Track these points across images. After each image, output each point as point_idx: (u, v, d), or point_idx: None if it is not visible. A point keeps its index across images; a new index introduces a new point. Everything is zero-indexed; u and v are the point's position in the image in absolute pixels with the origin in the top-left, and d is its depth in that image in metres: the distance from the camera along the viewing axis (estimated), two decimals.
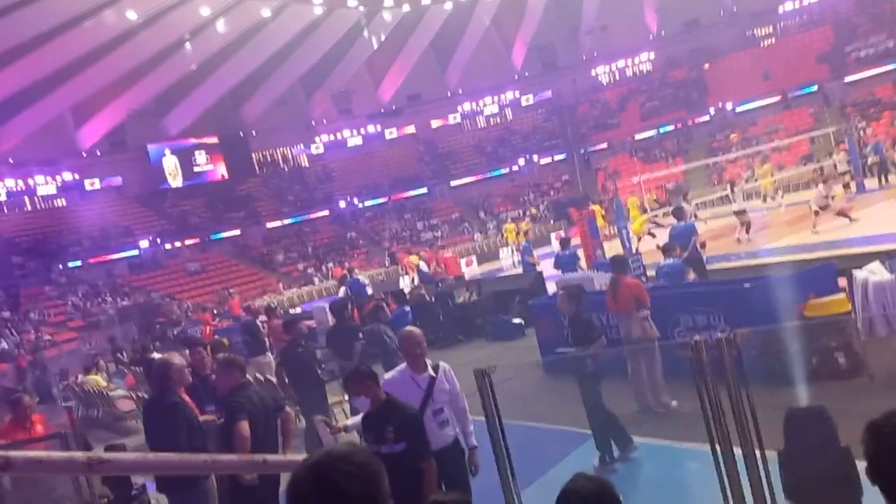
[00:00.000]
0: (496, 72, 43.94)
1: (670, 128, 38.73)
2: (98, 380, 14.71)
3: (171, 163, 37.45)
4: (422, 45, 40.05)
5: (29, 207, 34.59)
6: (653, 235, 20.80)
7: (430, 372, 4.55)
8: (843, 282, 7.43)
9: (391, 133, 44.68)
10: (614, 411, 6.40)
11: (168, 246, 34.37)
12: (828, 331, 6.73)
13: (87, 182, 35.66)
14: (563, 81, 44.31)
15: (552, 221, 35.12)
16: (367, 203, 39.83)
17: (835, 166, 22.35)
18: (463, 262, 26.70)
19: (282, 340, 11.87)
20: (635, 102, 41.90)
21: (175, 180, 37.58)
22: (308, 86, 40.55)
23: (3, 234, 31.30)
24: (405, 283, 17.58)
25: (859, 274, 6.50)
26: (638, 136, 39.52)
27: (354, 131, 43.60)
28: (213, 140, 38.39)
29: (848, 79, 34.49)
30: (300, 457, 3.93)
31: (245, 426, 4.75)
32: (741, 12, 40.05)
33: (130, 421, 13.39)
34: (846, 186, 20.77)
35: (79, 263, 31.73)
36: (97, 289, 30.51)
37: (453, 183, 41.50)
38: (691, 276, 10.24)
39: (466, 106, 45.60)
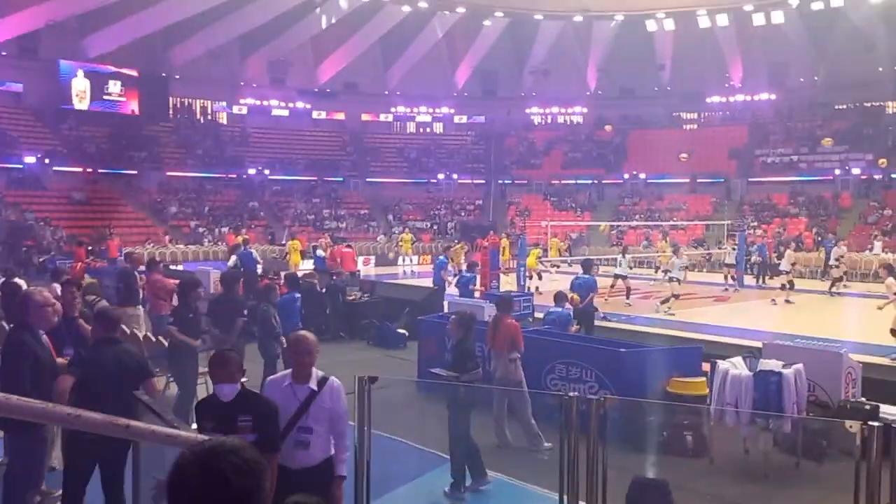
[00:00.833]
0: (437, 84, 44.29)
1: (586, 182, 40.27)
2: None
3: (81, 84, 35.31)
4: (371, 39, 39.80)
5: None
6: (539, 277, 21.55)
7: (313, 384, 4.09)
8: (706, 366, 8.00)
9: (319, 114, 44.11)
10: (477, 442, 6.60)
11: (57, 169, 32.28)
12: (683, 409, 7.22)
13: None
14: (498, 111, 45.29)
15: (456, 241, 35.53)
16: (277, 177, 38.99)
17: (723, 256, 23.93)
18: (360, 259, 26.63)
19: (158, 297, 11.47)
20: (559, 149, 43.31)
21: (81, 103, 35.43)
22: (246, 46, 39.34)
23: None
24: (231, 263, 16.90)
25: (722, 364, 7.02)
26: (554, 182, 40.86)
27: (283, 103, 42.70)
28: (132, 73, 36.53)
29: (751, 179, 37.08)
30: (163, 428, 3.85)
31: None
32: (673, 93, 42.32)
33: None
34: (726, 277, 22.40)
35: None
36: None
37: (370, 179, 41.38)
38: (575, 327, 10.68)
39: (401, 108, 45.72)
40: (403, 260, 29.77)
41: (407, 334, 13.18)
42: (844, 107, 37.95)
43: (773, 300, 18.75)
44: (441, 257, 18.49)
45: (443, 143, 45.41)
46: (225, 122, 42.23)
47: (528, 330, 9.09)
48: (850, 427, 4.04)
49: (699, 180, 38.03)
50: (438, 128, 46.75)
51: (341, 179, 40.73)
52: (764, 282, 22.81)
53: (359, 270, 22.18)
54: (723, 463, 7.07)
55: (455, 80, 44.68)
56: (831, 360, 7.71)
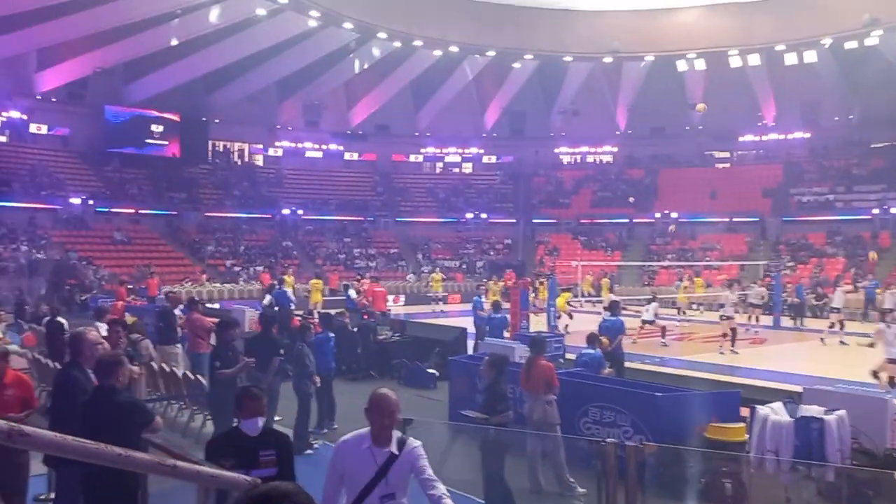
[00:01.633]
0: (466, 125, 44.88)
1: (616, 221, 40.13)
2: None
3: (125, 129, 36.50)
4: (402, 82, 40.59)
5: None
6: (570, 316, 21.43)
7: (393, 447, 3.75)
8: (744, 411, 7.87)
9: (351, 156, 44.90)
10: (510, 486, 6.57)
11: (100, 209, 33.24)
12: (722, 456, 7.10)
13: (33, 125, 34.45)
14: (527, 151, 45.59)
15: (485, 280, 35.57)
16: (310, 217, 39.62)
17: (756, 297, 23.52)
18: (391, 298, 26.75)
19: (197, 336, 11.68)
20: (589, 189, 43.33)
21: (125, 147, 36.58)
22: (282, 90, 40.41)
23: None
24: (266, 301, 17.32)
25: (761, 410, 6.92)
26: (584, 221, 40.81)
27: (316, 145, 43.60)
28: (174, 117, 37.65)
29: (786, 218, 36.62)
30: (209, 469, 3.94)
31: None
32: (705, 132, 42.25)
33: None
34: (749, 318, 21.84)
35: (1, 204, 30.33)
36: (15, 234, 29.16)
37: (399, 219, 41.80)
38: (608, 370, 10.60)
39: (430, 149, 46.31)
40: (438, 302, 29.74)
41: (437, 374, 13.19)
42: (881, 145, 37.46)
43: (823, 339, 18.34)
44: (476, 297, 18.40)
45: (472, 182, 45.76)
46: (261, 163, 43.20)
47: (560, 372, 9.06)
48: None
49: (732, 220, 37.67)
50: (468, 168, 47.19)
51: (372, 219, 41.22)
52: (802, 323, 22.37)
53: (389, 309, 22.30)
54: None
55: (484, 120, 45.21)
56: (876, 406, 7.52)
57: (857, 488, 6.72)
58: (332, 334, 10.83)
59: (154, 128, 37.32)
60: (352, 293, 21.73)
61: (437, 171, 47.24)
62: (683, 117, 42.20)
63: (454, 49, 35.62)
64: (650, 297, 20.08)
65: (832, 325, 18.65)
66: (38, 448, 3.11)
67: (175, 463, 3.80)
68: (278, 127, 42.61)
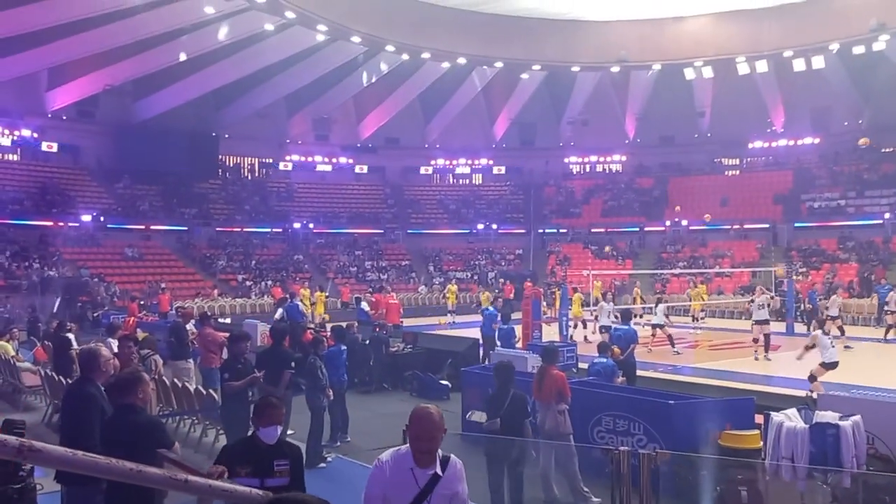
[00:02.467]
0: (476, 136, 45.01)
1: (627, 229, 40.04)
2: (8, 347, 14.12)
3: (135, 145, 36.76)
4: (411, 95, 40.76)
5: None
6: (584, 325, 21.35)
7: (438, 468, 3.53)
8: (759, 418, 7.80)
9: (361, 169, 45.07)
10: (524, 496, 6.54)
11: (111, 226, 33.49)
12: (737, 464, 7.04)
13: (44, 143, 34.82)
14: (537, 161, 45.63)
15: (497, 291, 35.57)
16: (321, 230, 39.74)
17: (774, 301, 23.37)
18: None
19: (209, 350, 11.72)
20: (599, 198, 43.28)
21: (135, 163, 36.84)
22: (292, 104, 40.68)
23: None
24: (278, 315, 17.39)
25: (776, 417, 6.86)
26: (594, 230, 40.74)
27: (326, 158, 43.81)
28: (184, 133, 37.89)
29: (798, 224, 36.41)
30: (221, 483, 3.94)
31: None
32: (714, 139, 42.16)
33: (31, 396, 12.90)
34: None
35: (13, 222, 30.64)
36: (27, 252, 29.41)
37: (410, 231, 41.87)
38: (620, 379, 10.56)
39: (440, 161, 46.44)
40: (451, 315, 29.63)
41: (450, 385, 13.16)
42: (891, 149, 37.24)
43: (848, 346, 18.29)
44: (491, 308, 18.25)
45: (482, 193, 45.83)
46: (271, 178, 43.43)
47: (573, 381, 9.02)
48: None
49: (743, 226, 37.50)
50: (477, 179, 47.27)
51: (382, 231, 41.31)
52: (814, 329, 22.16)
53: (402, 322, 22.30)
54: None
55: (493, 131, 45.31)
56: (891, 411, 7.45)
57: (874, 494, 6.64)
58: (344, 347, 10.84)
59: (164, 144, 37.55)
60: (364, 306, 21.76)
61: (448, 182, 47.33)
62: (692, 125, 42.15)
63: (462, 61, 35.77)
64: (657, 300, 20.01)
65: (829, 333, 18.59)
66: (49, 464, 3.11)
67: (187, 478, 3.80)
68: (288, 141, 42.87)
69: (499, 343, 15.11)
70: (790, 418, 6.85)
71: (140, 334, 13.92)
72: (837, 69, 35.53)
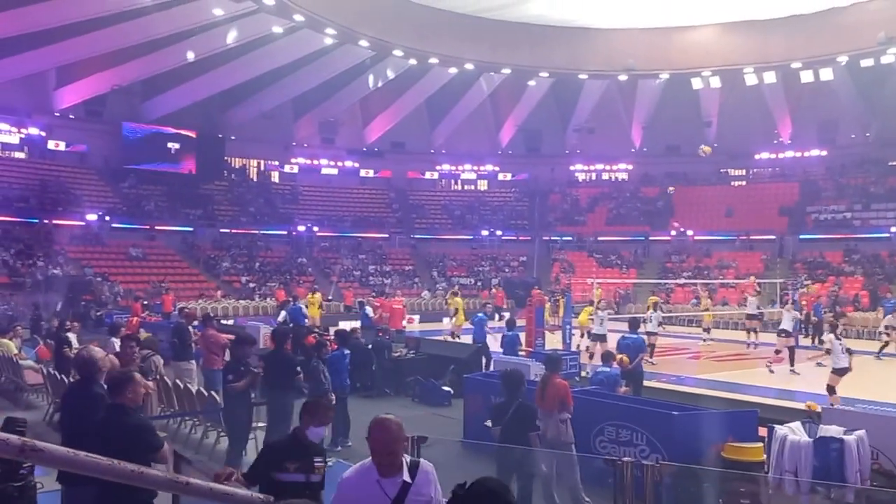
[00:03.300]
0: (482, 143, 45.04)
1: (631, 239, 39.99)
2: (10, 345, 14.14)
3: (142, 145, 36.91)
4: (418, 99, 40.82)
5: None
6: (588, 335, 21.23)
7: (405, 475, 3.41)
8: (762, 431, 7.76)
9: (367, 173, 45.12)
10: None
11: (116, 225, 33.55)
12: (740, 477, 7.00)
13: (51, 142, 34.94)
14: (542, 168, 45.62)
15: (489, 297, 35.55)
16: (326, 233, 39.75)
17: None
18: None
19: (212, 352, 11.71)
20: (604, 206, 43.24)
21: (141, 163, 36.98)
22: (298, 107, 40.77)
23: None
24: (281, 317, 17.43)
25: (780, 430, 6.82)
26: (600, 238, 40.68)
27: (332, 162, 43.87)
28: (191, 134, 38.07)
29: (803, 236, 36.31)
30: (222, 486, 3.92)
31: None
32: (720, 150, 42.04)
33: (33, 395, 12.91)
34: (748, 333, 21.53)
35: (18, 219, 30.72)
36: (32, 250, 29.48)
37: (415, 235, 41.86)
38: (624, 388, 10.51)
39: (446, 166, 46.46)
40: (452, 319, 29.55)
41: (452, 392, 13.13)
42: None
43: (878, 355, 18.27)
44: (480, 314, 18.24)
45: (487, 199, 45.83)
46: (277, 180, 43.51)
47: (576, 390, 8.99)
48: None
49: (750, 237, 37.42)
50: (483, 185, 47.27)
51: (387, 236, 41.32)
52: (820, 341, 22.06)
53: (405, 327, 22.28)
54: None
55: (499, 138, 45.33)
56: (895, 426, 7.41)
57: None
58: (347, 351, 10.82)
59: (170, 145, 37.72)
60: (367, 310, 21.74)
61: (453, 188, 47.34)
62: (699, 135, 42.06)
63: (469, 66, 35.80)
64: (652, 306, 19.94)
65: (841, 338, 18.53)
66: (50, 464, 3.09)
67: (188, 480, 3.79)
68: (294, 144, 42.94)
69: (501, 350, 15.07)
70: (794, 432, 6.82)
71: (142, 334, 13.95)
72: (845, 81, 35.47)
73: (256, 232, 37.94)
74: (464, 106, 41.83)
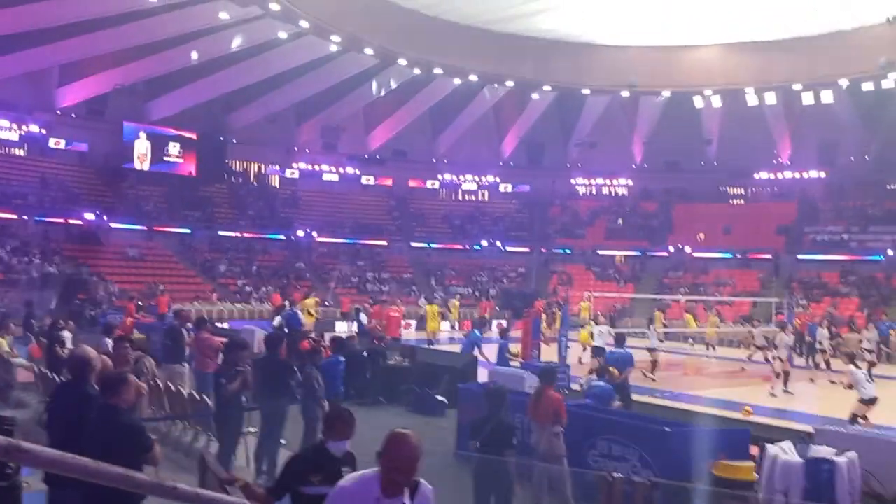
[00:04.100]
0: (484, 153, 45.13)
1: (630, 253, 40.03)
2: (2, 342, 14.04)
3: (142, 146, 36.91)
4: (421, 109, 40.93)
5: None
6: (586, 348, 21.21)
7: (406, 498, 3.23)
8: (754, 450, 7.75)
9: (368, 180, 45.13)
10: None
11: (114, 225, 33.52)
12: (730, 495, 6.98)
13: (52, 140, 34.91)
14: (544, 180, 45.69)
15: (498, 308, 35.59)
16: (325, 239, 39.74)
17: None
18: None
19: (205, 355, 11.66)
20: (604, 220, 43.31)
21: (142, 164, 36.99)
22: (301, 113, 40.85)
23: None
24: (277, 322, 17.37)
25: (771, 449, 6.81)
26: (598, 252, 40.73)
27: (333, 168, 43.87)
28: (192, 136, 38.10)
29: (801, 256, 36.36)
30: (208, 492, 3.91)
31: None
32: (719, 168, 42.25)
33: (24, 393, 12.84)
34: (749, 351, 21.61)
35: (15, 216, 30.68)
36: (28, 247, 29.43)
37: (414, 244, 41.85)
38: (617, 403, 10.50)
39: (447, 176, 46.51)
40: (452, 327, 29.59)
41: (446, 402, 13.08)
42: None
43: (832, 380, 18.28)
44: (477, 332, 17.61)
45: (487, 210, 45.88)
46: (277, 184, 43.50)
47: (570, 403, 8.97)
48: None
49: (745, 255, 37.49)
50: (483, 195, 47.32)
51: (386, 243, 41.31)
52: (814, 361, 22.06)
53: (401, 335, 22.22)
54: None
55: (502, 149, 45.44)
56: (887, 448, 7.41)
57: None
58: (342, 358, 10.79)
59: (171, 145, 37.75)
60: (362, 317, 21.71)
61: (454, 197, 47.37)
62: (699, 152, 42.25)
63: (473, 78, 35.94)
64: (649, 321, 20.00)
65: (819, 366, 18.86)
66: (37, 465, 3.06)
67: (175, 485, 3.77)
68: (296, 148, 42.96)
69: (491, 360, 15.03)
70: (786, 451, 6.80)
71: (136, 336, 13.90)
72: (846, 104, 35.64)
73: (255, 235, 37.90)
74: (467, 116, 41.96)
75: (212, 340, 11.55)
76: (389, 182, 45.56)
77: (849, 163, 39.61)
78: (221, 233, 37.01)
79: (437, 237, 42.85)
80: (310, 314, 23.12)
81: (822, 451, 6.75)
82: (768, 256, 36.86)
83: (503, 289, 38.56)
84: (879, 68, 29.94)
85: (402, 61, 33.93)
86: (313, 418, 9.06)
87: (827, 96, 33.80)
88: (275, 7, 27.61)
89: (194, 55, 32.01)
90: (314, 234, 39.31)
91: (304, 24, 29.46)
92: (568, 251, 41.85)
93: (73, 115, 35.31)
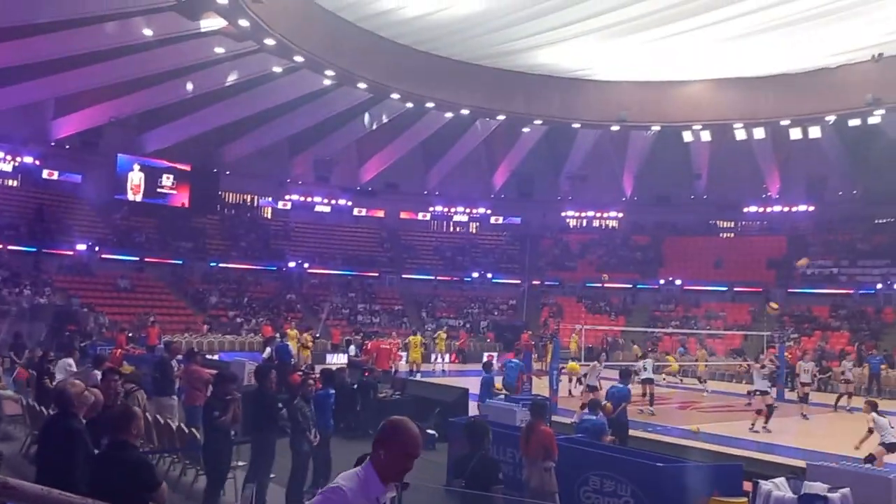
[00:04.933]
0: (475, 186, 45.42)
1: (620, 286, 40.14)
2: None
3: (136, 177, 36.98)
4: (413, 142, 41.26)
5: None
6: (580, 381, 21.19)
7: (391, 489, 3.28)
8: (747, 485, 7.72)
9: (360, 212, 45.31)
10: None
11: (105, 256, 33.40)
12: None
13: (45, 171, 34.94)
14: (534, 213, 45.97)
15: (488, 340, 35.59)
16: (316, 270, 39.69)
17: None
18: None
19: (194, 388, 11.56)
20: (594, 253, 43.48)
21: (135, 195, 37.01)
22: (294, 145, 41.09)
23: None
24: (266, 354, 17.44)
25: (764, 486, 6.79)
26: (589, 284, 40.81)
27: (326, 200, 44.05)
28: (185, 167, 38.21)
29: (791, 290, 36.54)
30: None
31: None
32: (709, 202, 42.62)
33: (11, 426, 12.68)
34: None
35: (8, 247, 30.56)
36: (19, 278, 29.25)
37: (405, 275, 41.86)
38: (609, 438, 10.45)
39: (438, 208, 46.73)
40: (437, 358, 29.53)
41: (437, 435, 12.98)
42: (885, 221, 37.67)
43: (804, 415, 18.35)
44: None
45: (478, 242, 46.04)
46: (270, 216, 43.58)
47: (561, 438, 8.92)
48: None
49: (736, 289, 37.67)
50: (475, 227, 47.53)
51: (377, 275, 41.31)
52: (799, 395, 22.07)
53: (391, 368, 22.11)
54: None
55: (493, 182, 45.75)
56: (880, 484, 7.38)
57: None
58: (332, 391, 10.72)
59: (165, 177, 37.82)
60: (352, 349, 21.62)
61: (445, 229, 47.54)
62: (688, 186, 42.65)
63: (465, 112, 36.32)
64: (643, 354, 20.02)
65: (800, 398, 18.99)
66: (23, 501, 3.03)
67: None
68: (289, 181, 43.14)
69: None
70: (779, 487, 6.78)
71: (126, 368, 13.77)
72: (833, 140, 36.16)
73: (247, 266, 37.83)
74: (458, 149, 42.30)
75: (201, 373, 11.48)
76: (381, 214, 45.75)
77: (837, 197, 40.04)
78: (213, 264, 36.93)
79: (428, 269, 42.89)
80: (305, 347, 23.06)
81: (815, 487, 6.73)
82: (759, 290, 37.02)
83: (493, 321, 38.55)
84: (866, 105, 30.45)
85: (395, 95, 34.27)
86: (302, 451, 9.00)
87: (815, 131, 34.28)
88: (270, 42, 27.91)
89: (189, 86, 32.21)
90: (306, 265, 39.30)
91: (298, 58, 29.76)
92: (558, 283, 41.92)
93: (67, 147, 35.38)
